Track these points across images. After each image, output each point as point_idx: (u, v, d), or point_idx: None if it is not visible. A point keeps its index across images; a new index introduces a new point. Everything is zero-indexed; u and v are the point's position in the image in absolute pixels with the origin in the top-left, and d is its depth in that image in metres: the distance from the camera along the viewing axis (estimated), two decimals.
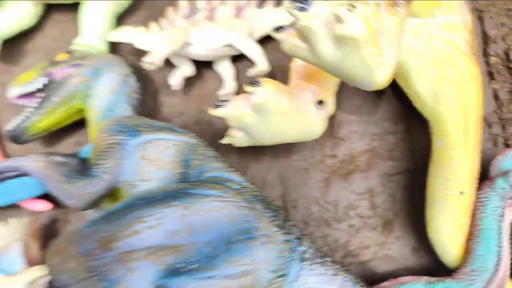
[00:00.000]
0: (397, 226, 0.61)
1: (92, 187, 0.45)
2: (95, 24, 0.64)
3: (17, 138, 0.59)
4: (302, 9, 0.39)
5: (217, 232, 0.38)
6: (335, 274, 0.44)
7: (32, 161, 0.49)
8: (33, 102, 0.60)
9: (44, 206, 0.58)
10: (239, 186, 0.44)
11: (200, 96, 0.66)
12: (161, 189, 0.42)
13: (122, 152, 0.47)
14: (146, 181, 0.46)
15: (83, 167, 0.50)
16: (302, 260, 0.43)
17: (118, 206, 0.40)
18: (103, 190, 0.46)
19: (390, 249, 0.61)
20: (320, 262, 0.44)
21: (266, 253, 0.40)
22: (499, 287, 0.51)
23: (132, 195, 0.42)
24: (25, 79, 0.61)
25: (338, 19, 0.37)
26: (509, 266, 0.53)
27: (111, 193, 0.48)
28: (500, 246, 0.52)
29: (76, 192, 0.45)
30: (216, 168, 0.47)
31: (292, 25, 0.42)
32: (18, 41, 0.68)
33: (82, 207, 0.46)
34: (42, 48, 0.69)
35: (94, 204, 0.47)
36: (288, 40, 0.43)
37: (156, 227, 0.36)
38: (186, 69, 0.63)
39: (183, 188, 0.42)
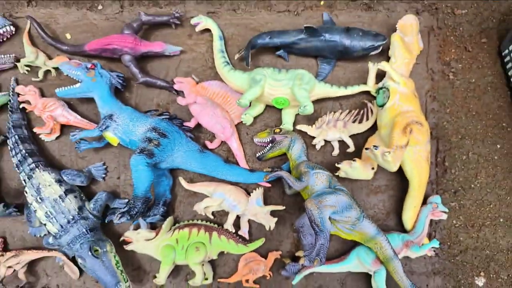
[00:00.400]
0: (391, 215, 1.65)
1: (303, 184, 1.47)
2: (289, 118, 1.68)
3: (260, 158, 1.64)
4: (375, 148, 1.42)
5: (343, 204, 1.40)
6: (371, 223, 1.49)
7: (285, 173, 1.52)
8: (264, 145, 1.64)
9: (268, 185, 1.64)
10: (345, 191, 1.48)
11: (323, 152, 1.69)
12: (329, 190, 1.46)
13: (309, 175, 1.50)
14: (317, 186, 1.49)
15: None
16: (363, 217, 1.47)
17: (320, 192, 1.44)
18: (305, 186, 1.48)
19: (388, 224, 1.64)
20: (368, 218, 1.48)
21: (355, 213, 1.43)
22: (421, 239, 1.55)
23: (318, 190, 1.46)
24: (262, 136, 1.65)
25: (384, 155, 1.39)
26: (426, 233, 1.56)
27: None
28: (424, 226, 1.56)
29: (298, 185, 1.46)
30: (338, 185, 1.51)
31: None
32: (255, 117, 1.72)
33: (298, 189, 1.49)
34: (262, 121, 1.73)
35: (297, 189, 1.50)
36: (369, 153, 1.46)
37: (330, 200, 1.39)
38: (322, 142, 1.67)
39: (334, 190, 1.46)
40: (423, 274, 1.63)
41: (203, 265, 1.55)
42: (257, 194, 1.59)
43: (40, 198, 1.50)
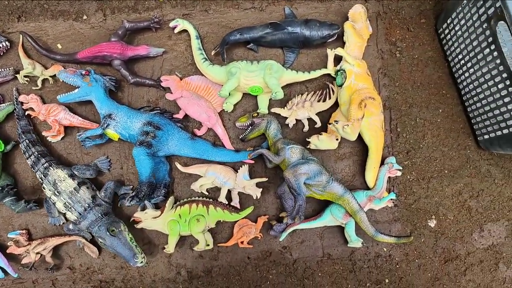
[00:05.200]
0: (356, 176, 1.97)
1: (280, 158, 1.75)
2: (264, 104, 1.96)
3: (242, 139, 1.92)
4: (336, 122, 1.71)
5: (315, 171, 1.70)
6: (339, 184, 1.80)
7: (265, 150, 1.80)
8: (245, 128, 1.91)
9: (251, 162, 1.93)
10: (316, 160, 1.78)
11: (295, 129, 1.98)
12: (302, 160, 1.76)
13: (285, 150, 1.79)
14: (292, 159, 1.78)
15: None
16: (332, 180, 1.78)
17: (295, 163, 1.73)
18: (282, 160, 1.77)
19: (354, 184, 1.96)
20: (336, 181, 1.79)
21: (324, 177, 1.73)
22: (381, 194, 1.88)
23: (294, 162, 1.75)
24: (242, 120, 1.92)
25: (343, 128, 1.69)
26: (385, 188, 1.89)
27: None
28: (383, 183, 1.89)
29: (276, 159, 1.75)
30: (310, 156, 1.81)
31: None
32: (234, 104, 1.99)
33: (277, 163, 1.78)
34: (241, 107, 2.00)
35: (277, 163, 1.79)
36: (332, 127, 1.76)
37: (304, 168, 1.68)
38: (293, 121, 1.96)
39: (306, 160, 1.76)
40: (386, 222, 1.97)
41: (204, 233, 1.84)
42: (244, 170, 1.88)
43: (57, 192, 1.74)
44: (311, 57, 2.02)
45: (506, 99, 1.65)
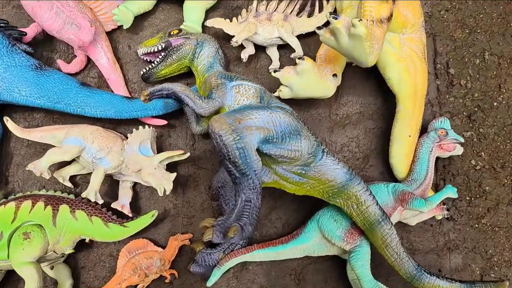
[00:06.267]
0: (371, 159, 1.00)
1: (213, 103, 0.82)
2: (195, 15, 1.02)
3: (146, 78, 0.96)
4: (334, 18, 0.77)
5: (285, 127, 0.76)
6: (339, 162, 0.82)
7: (179, 85, 0.85)
8: (156, 58, 0.96)
9: (162, 122, 0.96)
10: (290, 111, 0.83)
11: (255, 68, 1.04)
12: (258, 105, 0.80)
13: (225, 88, 0.84)
14: (238, 105, 0.83)
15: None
16: (323, 151, 0.81)
17: (241, 107, 0.78)
18: (217, 107, 0.82)
19: (367, 172, 0.99)
20: (332, 155, 0.82)
21: (306, 143, 0.77)
22: (424, 190, 0.91)
23: (245, 106, 0.80)
24: (150, 43, 0.98)
25: (353, 25, 0.75)
26: (432, 181, 0.92)
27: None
28: (428, 168, 0.92)
29: (204, 105, 0.81)
30: (276, 102, 0.85)
31: (327, 26, 0.81)
32: (140, 19, 1.04)
33: (206, 114, 0.83)
34: (153, 25, 1.06)
35: (210, 116, 0.84)
36: (324, 34, 0.81)
37: (259, 118, 0.73)
38: (251, 49, 1.01)
39: (267, 106, 0.80)
40: (432, 251, 0.98)
41: (50, 266, 0.85)
42: (140, 135, 0.91)
43: None
44: None
45: None
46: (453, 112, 1.04)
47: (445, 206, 0.94)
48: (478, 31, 1.08)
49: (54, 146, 0.92)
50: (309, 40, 1.05)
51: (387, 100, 1.02)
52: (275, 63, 1.02)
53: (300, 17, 1.04)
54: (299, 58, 0.88)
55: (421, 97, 0.94)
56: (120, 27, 1.03)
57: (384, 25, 0.79)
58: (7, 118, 0.93)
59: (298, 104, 0.98)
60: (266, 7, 1.02)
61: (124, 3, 1.01)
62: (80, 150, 0.89)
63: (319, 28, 0.82)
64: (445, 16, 1.08)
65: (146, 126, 0.93)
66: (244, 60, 1.00)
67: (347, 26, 0.77)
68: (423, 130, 0.97)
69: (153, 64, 0.96)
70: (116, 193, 0.95)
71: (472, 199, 0.98)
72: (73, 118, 0.97)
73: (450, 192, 0.89)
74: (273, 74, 0.91)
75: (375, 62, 0.83)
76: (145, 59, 1.00)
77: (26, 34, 0.98)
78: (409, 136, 0.93)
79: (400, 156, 0.94)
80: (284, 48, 1.04)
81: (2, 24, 0.96)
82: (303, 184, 0.82)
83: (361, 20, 0.74)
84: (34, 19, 0.97)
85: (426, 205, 0.85)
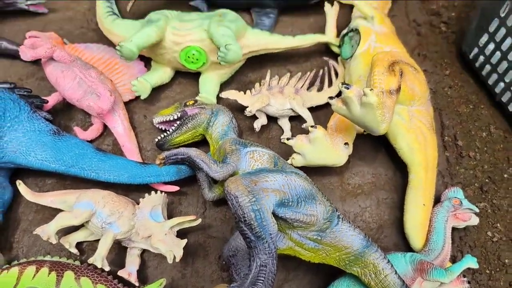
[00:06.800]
0: (385, 229, 0.98)
1: (228, 168, 0.82)
2: (210, 86, 1.07)
3: (161, 145, 0.98)
4: (346, 88, 0.80)
5: (300, 191, 0.75)
6: (355, 228, 0.80)
7: (194, 150, 0.86)
8: (171, 127, 0.99)
9: (174, 188, 0.95)
10: (304, 176, 0.83)
11: (267, 138, 1.06)
12: (273, 168, 0.80)
13: (239, 154, 0.86)
14: (252, 171, 0.84)
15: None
16: (338, 217, 0.80)
17: (256, 170, 0.78)
18: (231, 171, 0.83)
19: (382, 243, 0.97)
20: (347, 221, 0.81)
21: (321, 208, 0.77)
22: (443, 260, 0.87)
23: (260, 169, 0.80)
24: (166, 113, 1.01)
25: (365, 94, 0.78)
26: (450, 251, 0.89)
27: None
28: (445, 237, 0.89)
29: (218, 169, 0.82)
30: (289, 168, 0.86)
31: (338, 96, 0.84)
32: (157, 90, 1.09)
33: (220, 179, 0.83)
34: (169, 97, 1.10)
35: (223, 181, 0.84)
36: (336, 104, 0.84)
37: (274, 181, 0.73)
38: (263, 120, 1.04)
39: (281, 170, 0.80)
40: None
41: None
42: (152, 200, 0.91)
43: None
44: (298, 27, 1.20)
45: None
46: (465, 183, 1.04)
47: (465, 279, 0.90)
48: (482, 106, 1.12)
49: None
50: (319, 113, 1.09)
51: (398, 171, 1.02)
52: (287, 133, 1.05)
53: (310, 91, 1.09)
54: (311, 127, 0.90)
55: (433, 166, 0.95)
56: (137, 97, 1.08)
57: (393, 96, 0.83)
58: (20, 181, 0.93)
59: (310, 174, 0.98)
60: (278, 82, 1.07)
61: (143, 76, 1.06)
62: (91, 215, 0.88)
63: (331, 98, 0.86)
64: (448, 93, 1.13)
65: (158, 192, 0.92)
66: (257, 130, 1.03)
67: (358, 96, 0.80)
68: (436, 201, 0.96)
69: (168, 132, 0.99)
70: (123, 261, 0.91)
71: (493, 272, 0.94)
72: (84, 185, 0.97)
73: (471, 262, 0.85)
74: (286, 142, 0.92)
75: (386, 132, 0.86)
76: (160, 127, 1.03)
77: (47, 102, 1.02)
78: (424, 205, 0.92)
79: (415, 225, 0.92)
80: (296, 119, 1.07)
81: (25, 93, 1.00)
82: (318, 251, 0.79)
83: (372, 89, 0.78)
84: (56, 88, 1.02)
85: (447, 275, 0.81)
